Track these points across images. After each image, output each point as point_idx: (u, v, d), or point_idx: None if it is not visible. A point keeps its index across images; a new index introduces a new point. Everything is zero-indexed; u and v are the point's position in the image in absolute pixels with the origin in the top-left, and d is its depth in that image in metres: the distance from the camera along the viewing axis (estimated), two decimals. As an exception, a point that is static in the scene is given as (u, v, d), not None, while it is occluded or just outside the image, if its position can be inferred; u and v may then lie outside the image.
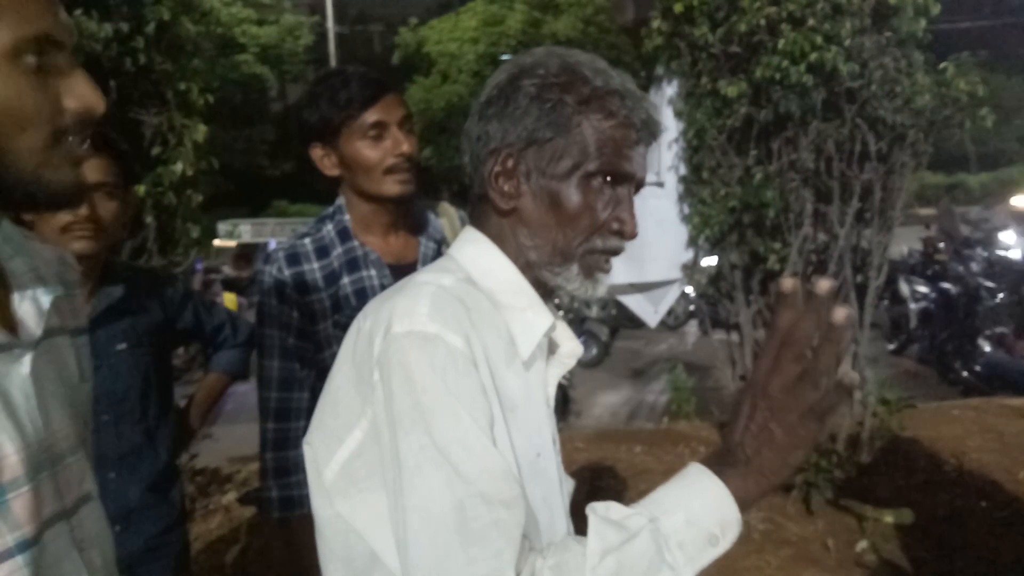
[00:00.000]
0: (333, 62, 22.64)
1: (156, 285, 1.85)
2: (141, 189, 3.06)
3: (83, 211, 1.58)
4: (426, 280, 0.90)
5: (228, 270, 11.49)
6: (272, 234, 16.30)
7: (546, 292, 0.98)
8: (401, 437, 0.81)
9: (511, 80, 0.95)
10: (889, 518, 3.54)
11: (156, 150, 3.21)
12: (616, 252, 0.97)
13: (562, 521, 0.96)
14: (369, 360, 0.85)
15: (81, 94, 0.76)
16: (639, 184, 0.98)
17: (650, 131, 0.96)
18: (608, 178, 0.94)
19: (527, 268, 0.96)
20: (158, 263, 3.25)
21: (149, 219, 3.21)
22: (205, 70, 3.70)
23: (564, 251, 0.94)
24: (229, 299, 9.46)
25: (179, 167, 3.20)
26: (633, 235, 0.96)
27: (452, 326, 0.83)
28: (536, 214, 0.94)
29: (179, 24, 3.34)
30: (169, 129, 3.24)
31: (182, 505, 1.87)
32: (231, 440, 4.76)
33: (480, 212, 0.99)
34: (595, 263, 0.95)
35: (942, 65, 3.75)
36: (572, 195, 0.93)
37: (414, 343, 0.81)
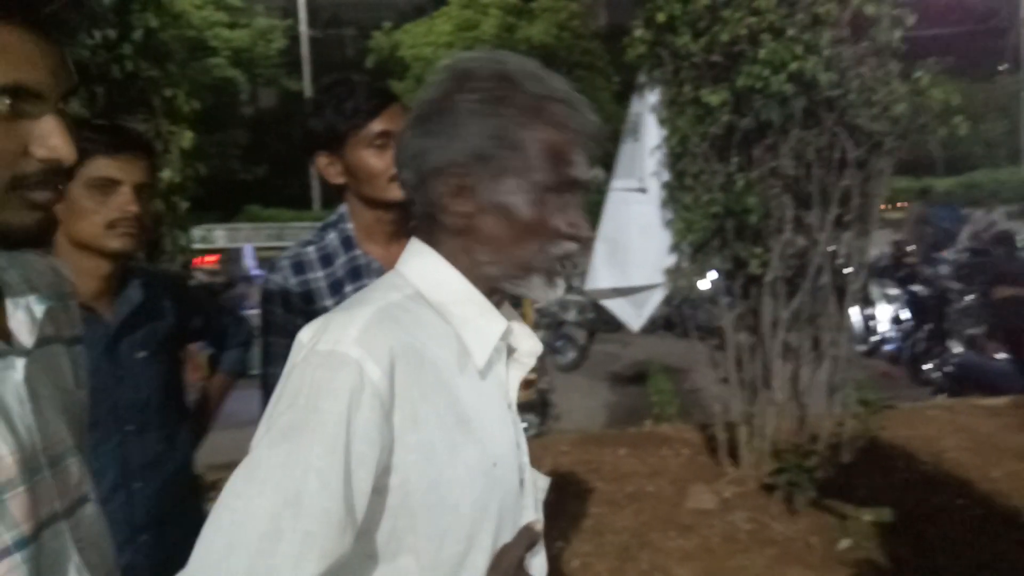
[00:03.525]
0: (306, 66, 22.54)
1: (170, 288, 1.84)
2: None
3: (132, 208, 1.58)
4: (372, 298, 0.91)
5: (202, 276, 11.40)
6: (247, 239, 16.16)
7: (501, 299, 0.98)
8: (266, 443, 0.81)
9: (447, 95, 0.92)
10: (869, 516, 3.62)
11: (143, 157, 3.19)
12: (571, 256, 0.96)
13: (519, 523, 0.96)
14: (290, 369, 0.86)
15: (51, 145, 0.76)
16: (584, 185, 0.97)
17: (590, 133, 0.95)
18: (561, 187, 0.93)
19: (480, 280, 0.95)
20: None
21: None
22: (178, 74, 3.70)
23: (524, 265, 0.93)
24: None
25: (166, 174, 3.19)
26: (586, 238, 0.96)
27: (377, 353, 0.82)
28: (491, 232, 0.92)
29: (166, 31, 3.34)
30: (156, 136, 3.23)
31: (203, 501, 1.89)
32: (210, 447, 4.70)
33: (428, 229, 0.97)
34: (554, 269, 0.95)
35: (916, 74, 3.85)
36: (525, 209, 0.91)
37: (328, 363, 0.82)
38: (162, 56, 3.35)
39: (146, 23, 3.14)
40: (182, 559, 1.79)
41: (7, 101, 0.73)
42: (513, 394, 1.01)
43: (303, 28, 23.71)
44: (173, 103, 3.33)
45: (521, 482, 0.99)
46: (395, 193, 1.70)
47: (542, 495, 1.05)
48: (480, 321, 0.94)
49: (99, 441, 1.57)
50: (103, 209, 1.57)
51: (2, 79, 0.72)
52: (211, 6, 22.82)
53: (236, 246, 14.77)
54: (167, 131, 3.27)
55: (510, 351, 1.01)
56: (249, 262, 12.62)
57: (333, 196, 1.82)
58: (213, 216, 19.25)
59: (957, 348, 7.13)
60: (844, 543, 3.45)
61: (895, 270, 10.10)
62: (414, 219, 1.00)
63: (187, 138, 3.32)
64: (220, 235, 17.37)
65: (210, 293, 10.32)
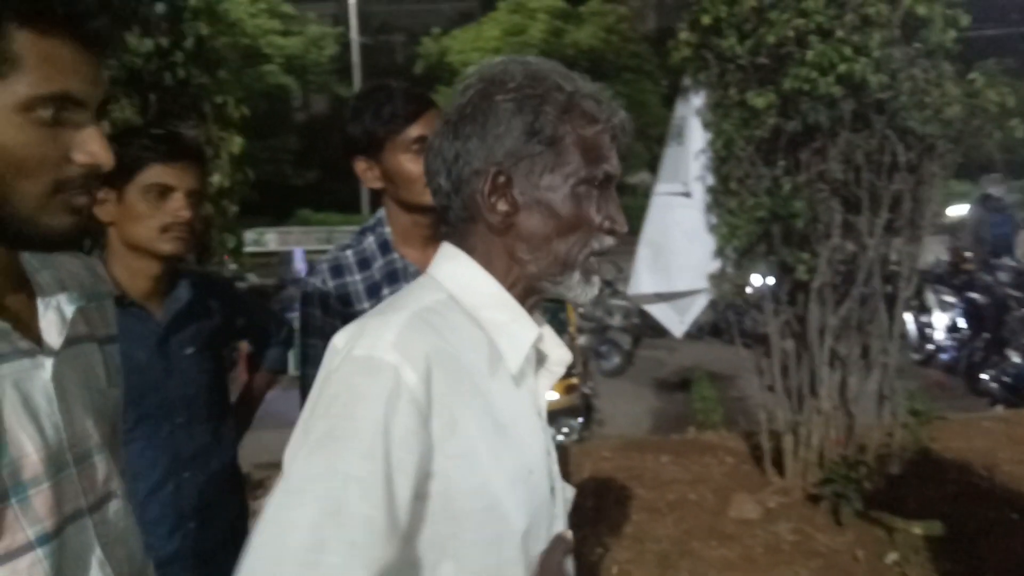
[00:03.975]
0: (357, 72, 22.83)
1: (217, 289, 1.91)
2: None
3: (185, 214, 1.65)
4: (406, 302, 0.91)
5: (254, 278, 11.65)
6: (297, 242, 16.45)
7: (534, 304, 0.98)
8: (304, 453, 0.81)
9: (483, 96, 0.93)
10: (918, 530, 3.51)
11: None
12: (608, 251, 0.97)
13: (551, 532, 0.96)
14: (325, 375, 0.86)
15: (91, 151, 0.80)
16: (618, 179, 1.00)
17: (624, 128, 0.97)
18: (597, 182, 0.95)
19: (518, 281, 0.96)
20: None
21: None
22: (230, 81, 3.80)
23: (566, 260, 0.94)
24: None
25: (216, 179, 3.27)
26: (624, 231, 0.98)
27: (414, 359, 0.82)
28: (533, 228, 0.93)
29: (216, 38, 3.42)
30: (206, 142, 3.31)
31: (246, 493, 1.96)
32: (256, 446, 4.79)
33: (463, 233, 0.97)
34: (592, 266, 0.96)
35: (971, 75, 3.75)
36: (567, 204, 0.93)
37: (366, 368, 0.82)
38: (213, 63, 3.43)
39: (197, 31, 3.23)
40: (226, 546, 1.87)
41: (51, 109, 0.77)
42: (543, 401, 1.00)
43: (354, 35, 24.00)
44: (223, 109, 3.41)
45: (552, 490, 0.98)
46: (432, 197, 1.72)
47: (568, 505, 1.05)
48: (513, 327, 0.94)
49: (150, 432, 1.66)
50: (157, 214, 1.64)
51: (50, 88, 0.76)
52: (265, 15, 23.30)
53: (287, 249, 15.05)
54: (217, 137, 3.35)
55: (541, 358, 1.01)
56: (299, 265, 12.85)
57: (381, 201, 1.85)
58: (265, 220, 19.62)
59: (1016, 358, 6.90)
60: (892, 557, 3.36)
61: (952, 277, 9.81)
62: (447, 225, 1.01)
63: (237, 143, 3.40)
64: (271, 238, 17.71)
65: (258, 295, 10.55)
